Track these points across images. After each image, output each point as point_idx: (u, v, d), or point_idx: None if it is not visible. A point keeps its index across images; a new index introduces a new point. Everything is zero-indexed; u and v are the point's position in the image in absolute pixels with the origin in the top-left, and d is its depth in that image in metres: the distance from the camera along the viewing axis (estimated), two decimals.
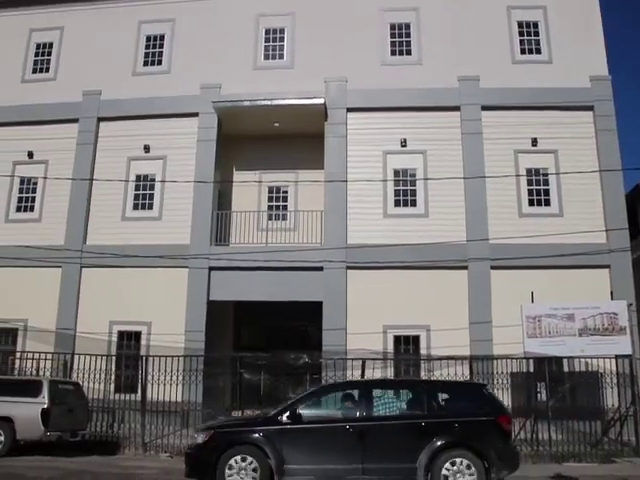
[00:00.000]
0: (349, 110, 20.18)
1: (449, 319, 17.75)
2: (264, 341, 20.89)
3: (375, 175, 19.50)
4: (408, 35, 20.80)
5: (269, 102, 19.81)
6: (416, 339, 18.47)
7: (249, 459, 9.80)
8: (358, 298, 18.63)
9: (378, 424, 10.02)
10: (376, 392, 10.53)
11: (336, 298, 18.66)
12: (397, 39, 20.82)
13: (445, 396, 10.69)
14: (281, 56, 21.20)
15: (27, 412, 14.03)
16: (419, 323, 18.23)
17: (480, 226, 18.78)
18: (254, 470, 9.75)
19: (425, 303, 18.23)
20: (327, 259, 18.80)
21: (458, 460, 9.52)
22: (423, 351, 18.23)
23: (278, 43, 21.32)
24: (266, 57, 21.25)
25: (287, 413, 10.11)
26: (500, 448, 9.72)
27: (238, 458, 9.82)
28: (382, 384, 11.83)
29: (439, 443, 9.55)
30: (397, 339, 18.53)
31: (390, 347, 18.40)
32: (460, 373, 14.88)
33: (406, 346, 18.59)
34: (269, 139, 21.07)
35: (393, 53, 20.73)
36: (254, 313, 20.67)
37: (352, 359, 15.86)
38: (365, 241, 18.87)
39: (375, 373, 15.39)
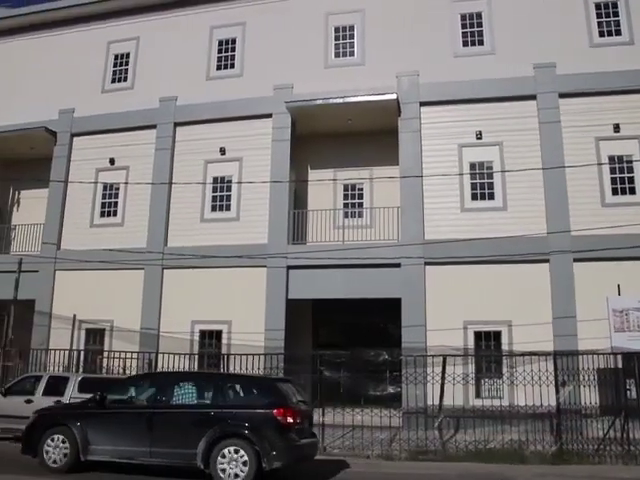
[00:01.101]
0: (422, 104, 19.95)
1: (531, 314, 17.30)
2: (342, 339, 20.86)
3: (451, 169, 19.20)
4: (480, 25, 20.37)
5: (341, 100, 19.82)
6: (497, 335, 18.08)
7: (62, 438, 11.27)
8: (437, 294, 18.41)
9: (166, 412, 10.88)
10: (175, 383, 11.35)
11: (414, 294, 18.49)
12: (468, 29, 20.42)
13: (236, 389, 11.23)
14: (352, 53, 21.16)
15: None
16: (500, 318, 17.84)
17: (561, 217, 18.20)
18: (66, 448, 11.22)
19: (506, 298, 17.82)
20: (404, 255, 18.65)
21: (232, 449, 10.11)
22: (505, 347, 17.80)
23: (348, 40, 21.28)
24: (337, 55, 21.26)
25: (96, 399, 11.39)
26: (274, 439, 10.11)
27: (55, 437, 11.33)
28: (181, 376, 12.61)
29: (216, 432, 10.22)
30: (478, 335, 18.18)
31: (471, 343, 18.08)
32: (544, 369, 14.43)
33: (487, 342, 18.23)
34: (343, 137, 21.08)
35: (465, 44, 20.35)
36: (332, 311, 20.72)
37: (432, 356, 15.67)
38: (443, 236, 18.60)
39: (456, 370, 15.14)
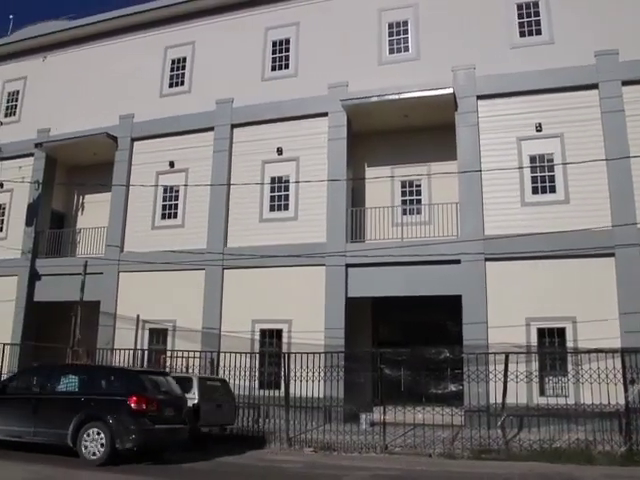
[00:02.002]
0: (479, 98, 19.63)
1: (596, 310, 16.80)
2: (402, 336, 20.75)
3: (510, 163, 18.83)
4: (537, 14, 19.86)
5: (397, 96, 19.67)
6: (561, 331, 17.62)
7: None
8: (498, 290, 18.09)
9: (48, 398, 12.59)
10: (60, 374, 13.01)
11: (475, 291, 18.21)
12: (525, 19, 19.95)
13: (105, 379, 12.76)
14: (406, 49, 20.97)
15: None
16: (564, 315, 17.38)
17: (627, 210, 17.61)
18: None
19: (569, 293, 17.38)
20: (464, 252, 18.38)
21: (94, 430, 11.69)
22: (569, 344, 17.34)
23: (402, 36, 21.10)
24: (391, 51, 21.11)
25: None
26: (127, 423, 11.64)
27: None
28: (64, 368, 14.22)
29: (82, 416, 11.84)
30: (541, 332, 17.76)
31: (534, 340, 17.68)
32: (611, 367, 13.98)
33: (550, 339, 17.79)
34: (399, 133, 20.95)
35: (522, 34, 19.88)
36: (392, 309, 20.61)
37: (494, 353, 15.37)
38: (503, 231, 18.27)
39: (519, 367, 14.82)
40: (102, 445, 11.53)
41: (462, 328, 18.09)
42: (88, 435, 11.69)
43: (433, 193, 20.56)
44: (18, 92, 27.35)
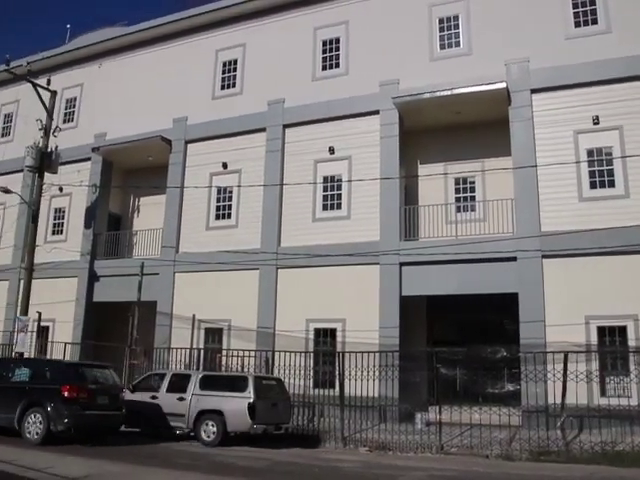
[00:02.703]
0: (533, 91, 19.19)
1: None
2: (458, 335, 20.52)
3: (567, 157, 18.35)
4: (592, 2, 19.23)
5: (449, 92, 19.44)
6: (622, 330, 17.07)
7: None
8: (556, 288, 17.66)
9: (4, 387, 14.44)
10: (15, 366, 14.92)
11: (532, 289, 17.83)
12: (580, 9, 19.36)
13: (49, 371, 14.62)
14: (457, 44, 20.68)
15: (235, 406, 14.96)
16: (625, 313, 16.84)
17: None
18: None
19: (630, 290, 16.79)
20: (520, 248, 18.04)
21: (34, 415, 13.64)
22: (631, 342, 16.81)
23: (453, 31, 20.82)
24: (442, 47, 20.85)
25: None
26: (60, 408, 13.51)
27: None
28: (19, 361, 16.62)
29: (26, 402, 13.78)
30: (601, 330, 17.25)
31: (594, 339, 17.21)
32: None
33: (611, 338, 17.27)
34: (452, 129, 20.70)
35: (577, 24, 19.31)
36: (447, 307, 20.36)
37: (553, 352, 15.03)
38: (560, 227, 17.82)
39: (578, 367, 14.47)
40: (40, 427, 13.46)
41: (519, 327, 17.73)
42: (30, 419, 13.66)
43: (487, 190, 20.23)
44: (75, 99, 28.09)
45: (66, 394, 13.63)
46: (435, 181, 20.70)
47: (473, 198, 20.52)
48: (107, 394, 14.67)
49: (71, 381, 13.98)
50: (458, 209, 20.43)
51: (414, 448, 14.51)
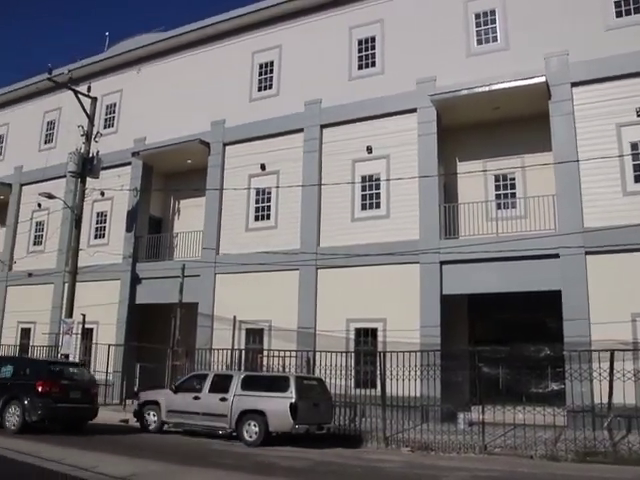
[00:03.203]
0: (573, 85, 18.81)
1: None
2: (499, 334, 20.19)
3: (609, 151, 17.93)
4: None
5: (487, 88, 19.17)
6: None
7: None
8: (600, 285, 17.28)
9: None
10: (1, 364, 16.23)
11: (575, 286, 17.51)
12: None
13: (29, 368, 16.09)
14: (494, 39, 20.40)
15: (277, 406, 15.00)
16: None
17: None
18: None
19: None
20: (563, 245, 17.71)
21: (12, 407, 15.18)
22: None
23: (490, 26, 20.55)
24: (479, 42, 20.59)
25: None
26: (33, 401, 14.96)
27: None
28: (5, 359, 17.70)
29: (6, 396, 15.27)
30: None
31: None
32: None
33: None
34: (490, 126, 20.46)
35: (618, 14, 18.83)
36: (488, 305, 20.12)
37: (598, 350, 14.71)
38: (604, 223, 17.44)
39: (625, 365, 14.14)
40: (18, 417, 14.98)
41: (562, 325, 17.42)
42: (9, 411, 15.21)
43: (528, 186, 19.94)
44: (115, 104, 28.56)
45: (40, 389, 15.21)
46: (474, 178, 20.45)
47: (513, 195, 20.24)
48: (80, 389, 16.17)
49: (45, 377, 15.58)
50: (498, 206, 20.17)
51: (457, 448, 14.37)
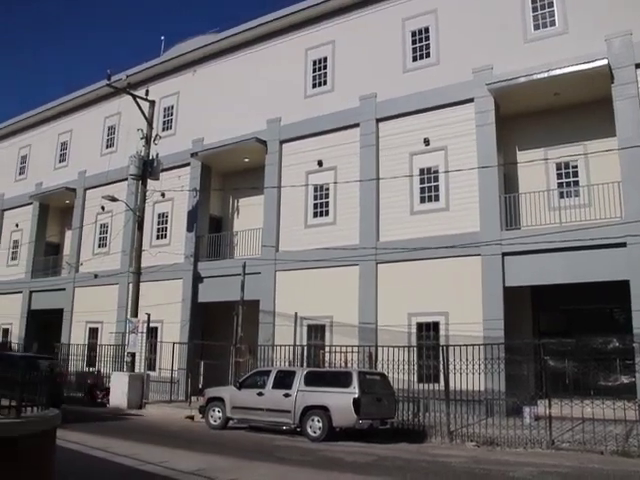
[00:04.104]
0: (638, 66, 18.14)
1: None
2: (565, 326, 19.78)
3: None
4: None
5: (546, 74, 18.68)
6: None
7: None
8: None
9: None
10: None
11: None
12: None
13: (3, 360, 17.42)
14: (552, 23, 19.81)
15: (340, 401, 15.01)
16: None
17: None
18: None
19: None
20: (630, 233, 17.10)
21: None
22: None
23: (547, 10, 19.98)
24: (536, 27, 20.04)
25: None
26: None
27: None
28: None
29: None
30: None
31: None
32: None
33: None
34: (550, 113, 19.97)
35: None
36: (552, 297, 19.68)
37: None
38: None
39: None
40: None
41: (631, 315, 16.87)
42: None
43: (592, 173, 19.36)
44: (172, 107, 29.05)
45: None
46: (535, 167, 19.97)
47: (576, 183, 19.68)
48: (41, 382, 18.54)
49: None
50: (561, 195, 19.66)
51: (523, 443, 14.09)
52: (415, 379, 18.17)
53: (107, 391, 23.12)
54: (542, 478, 10.16)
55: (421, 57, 22.08)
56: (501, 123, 20.26)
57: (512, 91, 19.59)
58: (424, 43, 22.08)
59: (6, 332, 34.76)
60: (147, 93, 25.51)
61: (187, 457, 11.71)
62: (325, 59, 24.38)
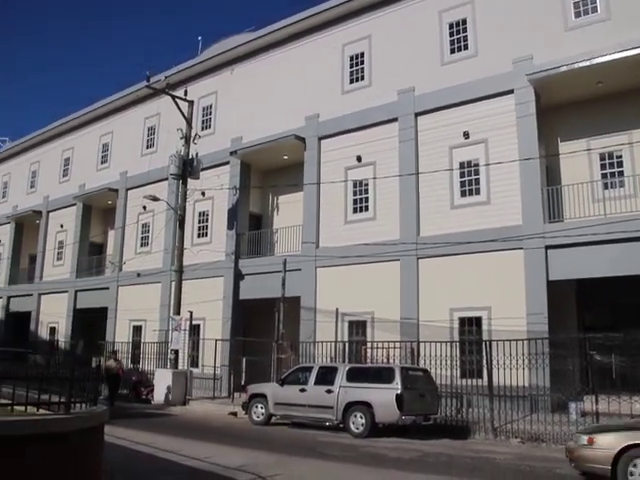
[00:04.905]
0: None
1: None
2: (611, 320, 19.34)
3: None
4: None
5: (588, 62, 18.23)
6: None
7: None
8: None
9: None
10: None
11: None
12: None
13: None
14: (594, 9, 19.28)
15: (383, 397, 15.00)
16: None
17: None
18: None
19: None
20: None
21: None
22: None
23: None
24: (577, 15, 19.56)
25: None
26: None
27: None
28: None
29: None
30: None
31: None
32: None
33: None
34: (593, 102, 19.52)
35: None
36: (598, 290, 19.25)
37: None
38: None
39: None
40: None
41: None
42: None
43: (637, 163, 18.90)
44: (211, 106, 29.27)
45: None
46: (578, 158, 19.58)
47: (621, 173, 19.22)
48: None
49: None
50: (605, 186, 19.22)
51: (569, 439, 13.84)
52: (458, 375, 18.04)
53: (151, 388, 23.46)
54: (589, 476, 9.95)
55: (459, 49, 21.80)
56: (542, 114, 19.88)
57: (553, 81, 19.21)
58: (462, 35, 21.79)
59: (53, 330, 35.58)
60: (186, 93, 25.77)
61: (231, 453, 11.82)
62: (362, 54, 24.26)
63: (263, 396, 17.62)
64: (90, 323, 33.41)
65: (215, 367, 23.60)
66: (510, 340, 15.72)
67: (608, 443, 9.17)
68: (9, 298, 39.99)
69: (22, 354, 23.43)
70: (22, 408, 5.80)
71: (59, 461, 5.46)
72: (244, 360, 23.75)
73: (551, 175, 20.04)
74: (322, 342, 20.62)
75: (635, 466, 8.66)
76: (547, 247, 18.60)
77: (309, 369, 17.36)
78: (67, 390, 6.04)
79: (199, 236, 28.39)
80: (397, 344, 19.15)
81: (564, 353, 16.15)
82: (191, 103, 25.80)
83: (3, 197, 44.13)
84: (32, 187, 41.11)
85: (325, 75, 24.88)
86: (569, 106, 20.04)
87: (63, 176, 38.31)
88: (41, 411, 5.97)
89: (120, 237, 32.53)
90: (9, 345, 34.43)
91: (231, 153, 26.90)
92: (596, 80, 18.77)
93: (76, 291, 34.44)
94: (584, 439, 9.68)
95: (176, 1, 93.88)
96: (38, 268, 38.19)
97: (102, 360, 24.13)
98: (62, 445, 5.47)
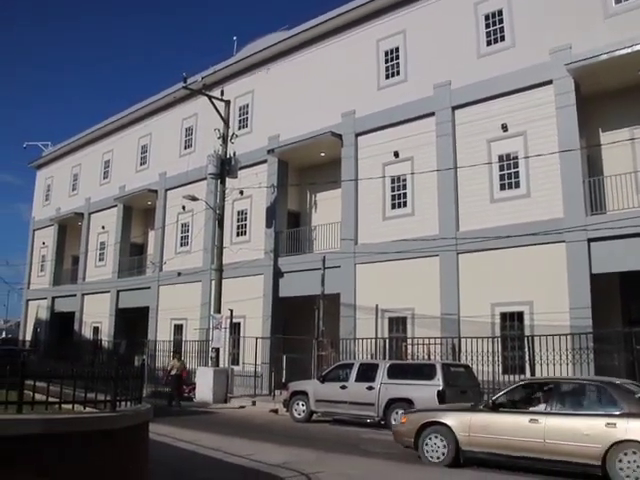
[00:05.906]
0: None
1: None
2: None
3: None
4: None
5: (629, 50, 17.77)
6: None
7: None
8: None
9: None
10: None
11: None
12: None
13: None
14: None
15: (424, 393, 14.89)
16: None
17: None
18: None
19: None
20: None
21: None
22: None
23: None
24: (617, 1, 19.07)
25: None
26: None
27: None
28: None
29: None
30: None
31: None
32: None
33: None
34: (635, 90, 19.02)
35: None
36: None
37: None
38: None
39: None
40: None
41: None
42: None
43: None
44: (247, 105, 29.43)
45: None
46: (621, 148, 19.13)
47: None
48: None
49: None
50: None
51: None
52: (500, 370, 17.82)
53: (193, 386, 23.71)
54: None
55: (495, 41, 21.48)
56: (582, 104, 19.49)
57: (593, 70, 18.80)
58: (498, 26, 21.47)
59: (96, 330, 36.26)
60: (222, 93, 25.96)
61: (273, 450, 11.87)
62: (397, 49, 24.11)
63: (304, 393, 17.67)
64: (132, 322, 33.95)
65: (256, 365, 23.75)
66: (553, 335, 15.51)
67: (413, 421, 11.43)
68: (54, 299, 40.90)
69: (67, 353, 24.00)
70: (69, 406, 5.90)
71: (106, 457, 5.55)
72: (284, 358, 23.85)
73: (593, 166, 19.62)
74: (362, 339, 20.60)
75: (430, 438, 10.99)
76: (589, 240, 18.22)
77: (350, 366, 17.36)
78: (112, 389, 6.14)
79: (238, 235, 28.58)
80: (438, 340, 19.03)
81: (609, 348, 15.89)
82: (228, 103, 25.98)
83: (46, 200, 45.10)
84: (74, 190, 41.94)
85: (360, 71, 24.80)
86: (610, 95, 19.59)
87: (104, 178, 38.97)
88: (87, 409, 6.07)
89: (160, 237, 32.95)
90: (55, 345, 35.27)
91: (268, 151, 27.00)
92: (638, 67, 18.32)
93: (118, 291, 35.01)
94: (401, 419, 12.21)
95: (211, 4, 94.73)
96: (81, 269, 38.97)
97: (144, 358, 24.44)
98: (108, 442, 5.56)
